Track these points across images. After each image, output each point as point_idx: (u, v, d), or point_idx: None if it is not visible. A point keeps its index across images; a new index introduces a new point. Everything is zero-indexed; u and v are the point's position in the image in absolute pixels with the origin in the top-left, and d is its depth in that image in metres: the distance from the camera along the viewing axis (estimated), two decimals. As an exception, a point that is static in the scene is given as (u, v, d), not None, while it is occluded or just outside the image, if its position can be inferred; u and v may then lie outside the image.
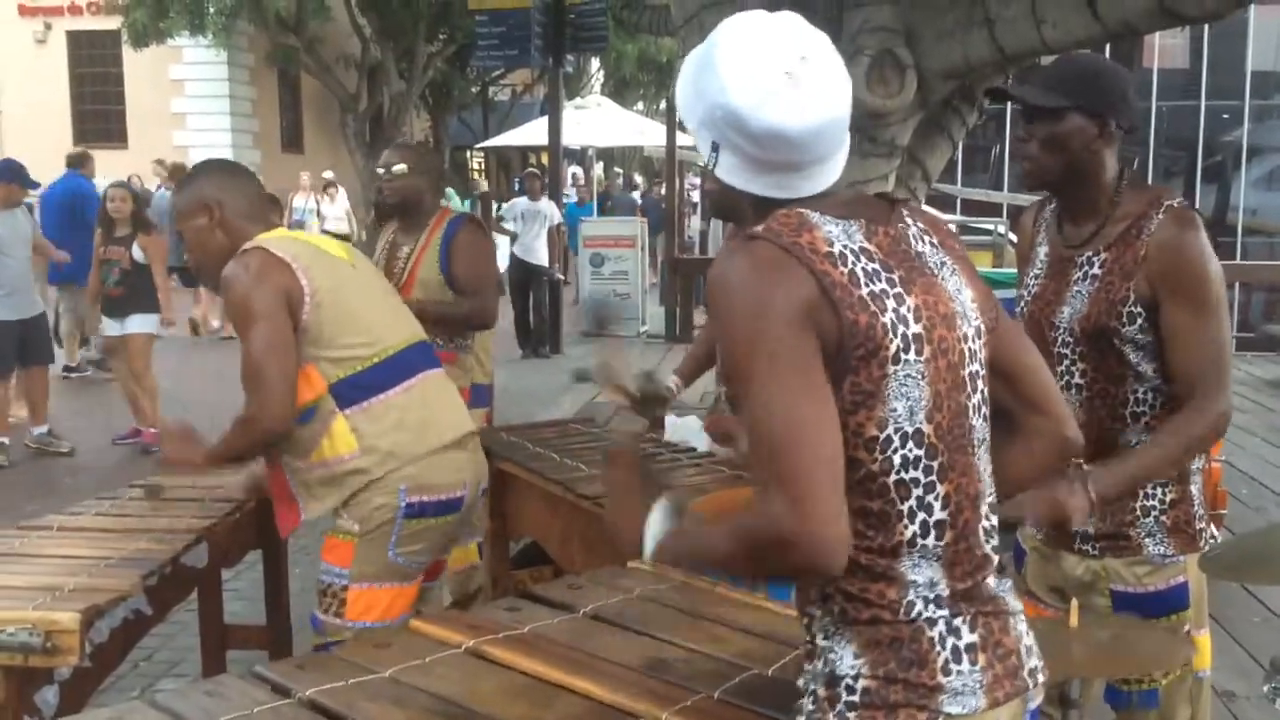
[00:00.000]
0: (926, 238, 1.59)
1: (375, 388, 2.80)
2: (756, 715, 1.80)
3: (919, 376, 1.48)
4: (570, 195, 18.54)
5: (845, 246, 1.48)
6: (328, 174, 12.56)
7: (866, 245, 1.50)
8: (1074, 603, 2.17)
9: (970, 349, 1.56)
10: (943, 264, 1.58)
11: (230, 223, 2.81)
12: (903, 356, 1.46)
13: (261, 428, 2.68)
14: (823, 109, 1.50)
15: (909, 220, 1.59)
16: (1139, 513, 2.36)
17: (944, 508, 1.50)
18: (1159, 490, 2.35)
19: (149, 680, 4.15)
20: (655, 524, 1.62)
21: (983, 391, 1.59)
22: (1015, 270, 2.79)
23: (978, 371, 1.58)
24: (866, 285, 1.46)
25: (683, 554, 1.62)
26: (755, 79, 1.48)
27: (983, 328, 1.60)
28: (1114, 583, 2.37)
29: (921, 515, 1.49)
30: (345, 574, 2.79)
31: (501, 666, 2.00)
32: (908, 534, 1.48)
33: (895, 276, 1.50)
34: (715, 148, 1.55)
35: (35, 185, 7.82)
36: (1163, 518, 2.35)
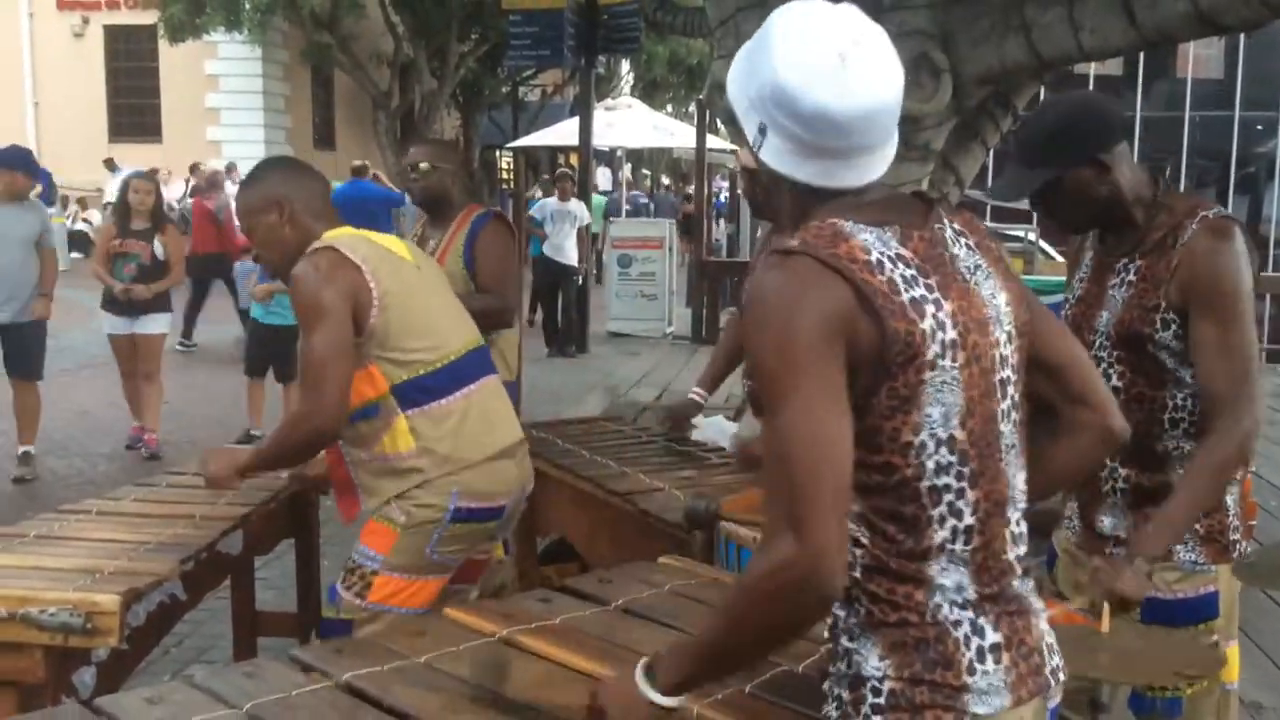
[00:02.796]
0: (963, 239, 1.59)
1: (436, 391, 2.83)
2: (787, 710, 1.82)
3: (954, 383, 1.48)
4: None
5: (882, 254, 1.48)
6: (357, 162, 12.62)
7: (902, 251, 1.50)
8: (1105, 607, 2.17)
9: (1002, 354, 1.56)
10: (978, 267, 1.57)
11: (299, 219, 2.84)
12: (939, 363, 1.47)
13: (314, 426, 2.72)
14: (871, 94, 1.49)
15: (945, 221, 1.59)
16: (1171, 521, 2.35)
17: (973, 513, 1.51)
18: (1192, 499, 2.35)
19: (180, 665, 4.20)
20: (641, 677, 1.57)
21: (1013, 397, 1.59)
22: (1046, 277, 2.81)
23: (1009, 377, 1.58)
24: (906, 291, 1.47)
25: (686, 665, 1.55)
26: (807, 58, 1.48)
27: (1014, 332, 1.60)
28: (1144, 589, 2.37)
29: (952, 521, 1.50)
30: (379, 560, 2.82)
31: (534, 655, 2.03)
32: (937, 539, 1.49)
33: (931, 282, 1.50)
34: (763, 130, 1.55)
35: (45, 176, 7.61)
36: (1196, 526, 2.35)
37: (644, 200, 21.79)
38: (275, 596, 4.58)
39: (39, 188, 7.60)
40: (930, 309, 1.47)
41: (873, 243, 1.49)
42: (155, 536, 2.77)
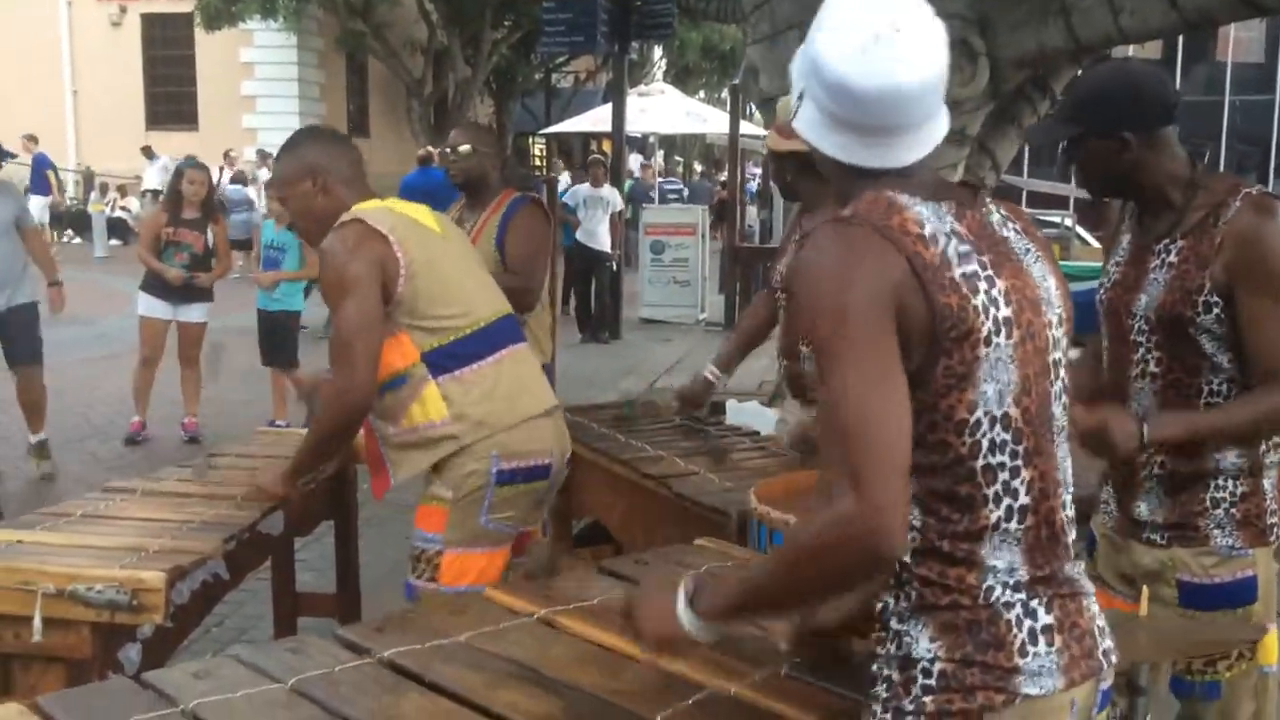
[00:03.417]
0: (1010, 224, 1.60)
1: (467, 357, 2.86)
2: (824, 691, 1.83)
3: (1008, 360, 1.49)
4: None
5: (936, 228, 1.49)
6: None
7: (957, 227, 1.51)
8: (1144, 590, 2.18)
9: (1054, 336, 1.58)
10: (1027, 250, 1.59)
11: (333, 189, 2.87)
12: (994, 339, 1.47)
13: (348, 400, 2.75)
14: (894, 78, 1.49)
15: (991, 206, 1.61)
16: (1209, 504, 2.35)
17: (1028, 492, 1.51)
18: (1230, 482, 2.34)
19: (221, 645, 4.25)
20: (683, 595, 1.59)
21: (1064, 380, 1.60)
22: (1082, 263, 2.80)
23: (1060, 360, 1.59)
24: (959, 267, 1.47)
25: (732, 597, 1.56)
26: (843, 31, 1.50)
27: (1064, 315, 1.61)
28: (1181, 573, 2.37)
29: (1006, 500, 1.50)
30: (439, 539, 2.86)
31: (572, 635, 2.05)
32: (991, 518, 1.49)
33: (985, 259, 1.51)
34: (800, 96, 1.59)
35: (10, 156, 7.28)
36: (1233, 510, 2.34)
37: (678, 187, 21.67)
38: (315, 578, 4.64)
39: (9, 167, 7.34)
40: (983, 285, 1.48)
41: (927, 216, 1.50)
42: (198, 516, 2.82)
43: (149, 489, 3.10)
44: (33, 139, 19.41)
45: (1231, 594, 2.34)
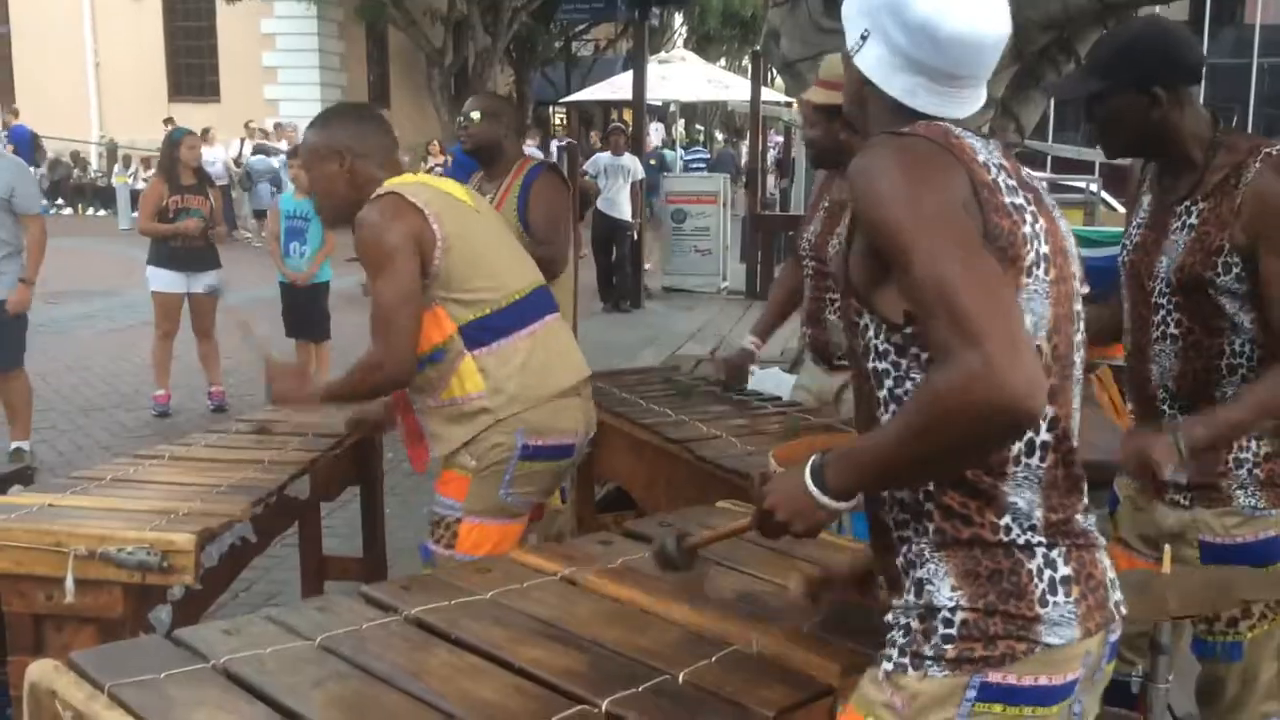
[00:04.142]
0: (1034, 183, 1.62)
1: (502, 330, 2.88)
2: (845, 645, 1.84)
3: (1044, 295, 1.51)
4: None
5: (988, 158, 1.51)
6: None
7: (1004, 163, 1.54)
8: (1166, 548, 2.18)
9: (1077, 288, 1.60)
10: (1054, 205, 1.61)
11: (359, 170, 2.88)
12: (1035, 271, 1.49)
13: (385, 374, 2.77)
14: (976, 24, 1.51)
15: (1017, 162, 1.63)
16: (1232, 464, 2.34)
17: (1050, 430, 1.52)
18: (1254, 443, 2.34)
19: (249, 609, 4.27)
20: (809, 474, 1.55)
21: (1082, 332, 1.61)
22: (1106, 229, 2.79)
23: (1080, 311, 1.61)
24: (1008, 196, 1.49)
25: (863, 471, 1.51)
26: None
27: (1079, 272, 1.63)
28: (1203, 533, 2.37)
29: (1030, 433, 1.50)
30: (459, 507, 2.89)
31: (596, 594, 2.07)
32: (1014, 450, 1.50)
33: (1029, 196, 1.53)
34: (865, 35, 1.58)
35: (19, 133, 7.28)
36: (1256, 470, 2.34)
37: (703, 156, 21.50)
38: (340, 544, 4.68)
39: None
40: (1029, 218, 1.50)
41: (980, 148, 1.52)
42: (226, 480, 2.85)
43: (177, 454, 3.14)
44: (13, 112, 19.36)
45: (1254, 554, 2.33)
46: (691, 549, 1.93)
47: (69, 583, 2.35)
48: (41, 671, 1.65)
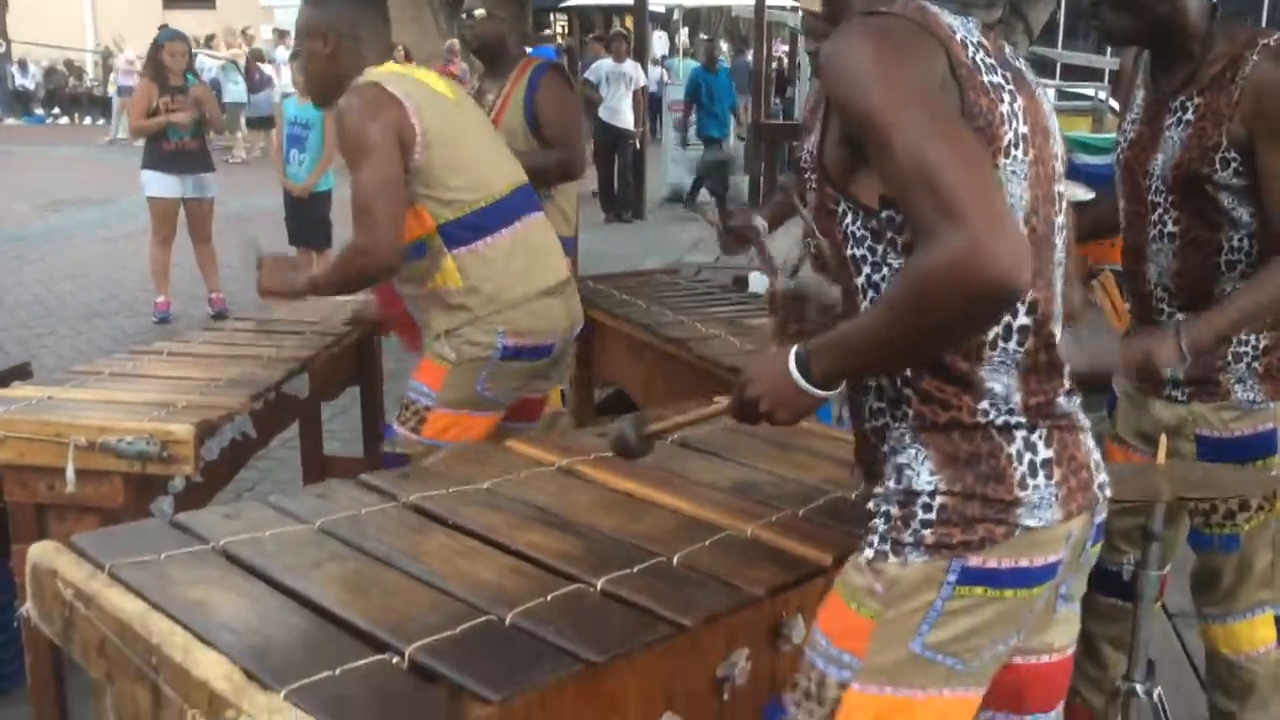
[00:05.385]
0: (1015, 62, 1.58)
1: (482, 229, 2.86)
2: (839, 532, 1.86)
3: (1022, 176, 1.48)
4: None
5: (965, 36, 1.47)
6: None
7: (984, 41, 1.50)
8: (1163, 438, 2.18)
9: (1058, 169, 1.57)
10: (1036, 83, 1.58)
11: (345, 52, 2.83)
12: (1013, 151, 1.46)
13: (368, 262, 2.75)
14: None
15: (1001, 41, 1.59)
16: (1230, 358, 2.33)
17: (1029, 313, 1.50)
18: (1252, 336, 2.32)
19: (251, 509, 4.36)
20: (793, 361, 1.50)
21: (1064, 214, 1.59)
22: (1113, 136, 2.74)
23: (1062, 193, 1.58)
24: (986, 75, 1.46)
25: (850, 356, 1.47)
26: None
27: (1064, 153, 1.61)
28: (1200, 428, 2.37)
29: (1006, 317, 1.48)
30: (432, 395, 2.90)
31: (593, 483, 2.08)
32: (990, 335, 1.48)
33: (1007, 75, 1.50)
34: None
35: None
36: (1254, 364, 2.33)
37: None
38: (341, 448, 4.71)
39: None
40: (1006, 97, 1.47)
41: (957, 25, 1.48)
42: (225, 375, 2.86)
43: (175, 350, 3.14)
44: None
45: (1250, 447, 2.34)
46: (650, 436, 1.84)
47: (69, 472, 2.36)
48: (42, 552, 1.67)
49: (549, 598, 1.56)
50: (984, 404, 1.49)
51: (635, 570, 1.67)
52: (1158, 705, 2.19)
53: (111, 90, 20.38)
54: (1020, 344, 1.50)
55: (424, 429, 2.90)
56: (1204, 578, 2.54)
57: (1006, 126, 1.45)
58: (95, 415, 2.46)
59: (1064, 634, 1.66)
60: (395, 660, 1.38)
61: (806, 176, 3.99)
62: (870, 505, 1.58)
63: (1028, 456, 1.49)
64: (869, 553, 1.52)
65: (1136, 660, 2.18)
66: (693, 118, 12.82)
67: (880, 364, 1.50)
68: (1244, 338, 2.32)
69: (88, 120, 21.87)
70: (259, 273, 2.92)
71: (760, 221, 3.79)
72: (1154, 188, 2.35)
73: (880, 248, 1.49)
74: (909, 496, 1.50)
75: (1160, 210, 2.35)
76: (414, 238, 2.81)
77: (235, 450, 2.74)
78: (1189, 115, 2.29)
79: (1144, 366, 2.23)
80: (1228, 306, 2.26)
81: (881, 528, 1.52)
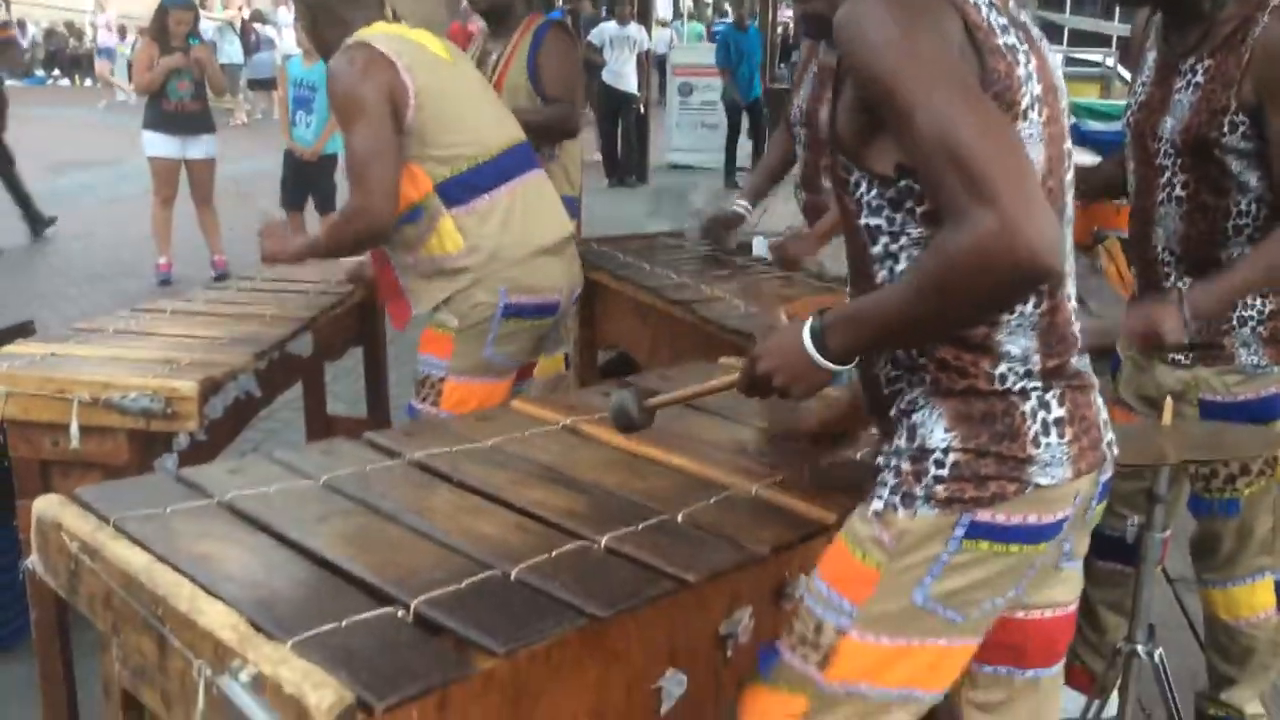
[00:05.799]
0: (1020, 16, 1.56)
1: (480, 188, 2.84)
2: (846, 491, 1.86)
3: (1037, 138, 1.46)
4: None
5: None
6: None
7: (995, 0, 1.48)
8: (1167, 401, 2.18)
9: (1066, 126, 1.55)
10: (1040, 37, 1.56)
11: (324, 24, 2.85)
12: (1030, 114, 1.45)
13: (364, 224, 2.73)
14: None
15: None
16: (1235, 322, 2.33)
17: None
18: (1258, 300, 2.32)
19: (255, 469, 4.37)
20: (808, 335, 1.49)
21: (1072, 171, 1.58)
22: (1122, 102, 2.72)
23: (1070, 150, 1.57)
24: (1001, 37, 1.44)
25: (863, 328, 1.46)
26: None
27: (1068, 109, 1.59)
28: (1204, 392, 2.37)
29: None
30: (444, 365, 2.89)
31: (597, 442, 2.08)
32: None
33: (1020, 35, 1.48)
34: None
35: None
36: (1259, 328, 2.33)
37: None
38: (346, 409, 4.72)
39: None
40: (1022, 59, 1.45)
41: None
42: (229, 333, 2.85)
43: (178, 308, 3.14)
44: None
45: (1254, 412, 2.34)
46: (652, 409, 1.82)
47: (73, 429, 2.37)
48: (47, 505, 1.67)
49: (553, 554, 1.56)
50: (1002, 368, 1.49)
51: (639, 527, 1.67)
52: (1159, 666, 2.20)
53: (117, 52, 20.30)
54: (1037, 306, 1.50)
55: (442, 401, 2.90)
56: (1204, 543, 2.55)
57: (1024, 89, 1.44)
58: (99, 371, 2.45)
59: (1068, 590, 1.67)
60: (400, 613, 1.39)
61: (797, 132, 3.97)
62: (880, 461, 1.58)
63: (1041, 415, 1.49)
64: (878, 504, 1.53)
65: (1138, 622, 2.19)
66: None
67: (901, 340, 1.49)
68: (1249, 302, 2.32)
69: (88, 82, 21.76)
70: (260, 240, 2.92)
71: (739, 208, 3.83)
72: (1163, 151, 2.34)
73: (899, 217, 1.47)
74: (922, 453, 1.51)
75: (1169, 174, 2.34)
76: (410, 202, 2.79)
77: (239, 409, 2.74)
78: (1198, 78, 2.27)
79: (1147, 335, 2.23)
80: (1232, 274, 2.26)
81: (892, 481, 1.53)
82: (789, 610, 1.64)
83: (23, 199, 8.70)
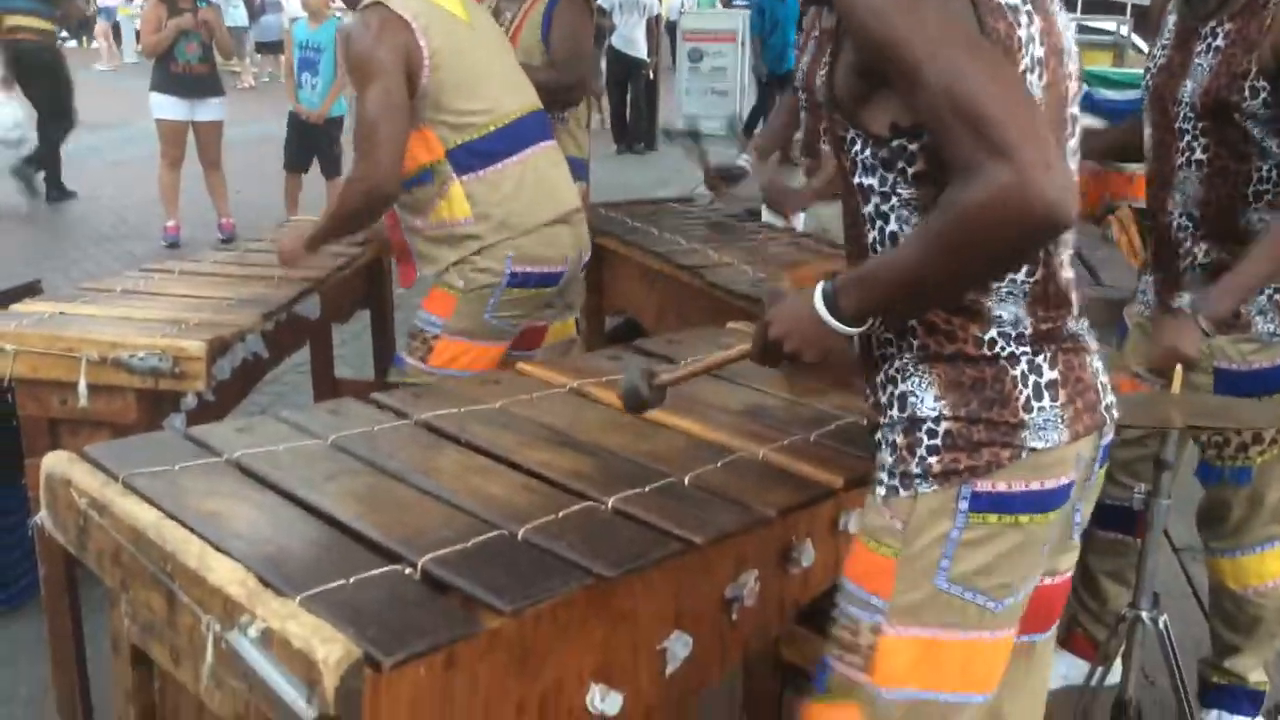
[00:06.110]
0: None
1: (492, 155, 2.82)
2: (850, 456, 1.86)
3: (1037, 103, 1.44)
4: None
5: None
6: None
7: None
8: (1179, 368, 2.17)
9: (1072, 90, 1.53)
10: (1053, 0, 1.52)
11: None
12: (1028, 76, 1.42)
13: (370, 186, 2.71)
14: None
15: None
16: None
17: None
18: (1275, 269, 2.30)
19: (262, 432, 4.38)
20: (820, 298, 1.47)
21: (1077, 137, 1.56)
22: (1135, 71, 2.70)
23: (1075, 115, 1.54)
24: None
25: (877, 289, 1.42)
26: None
27: (1079, 71, 1.56)
28: (1218, 360, 2.36)
29: None
30: (440, 324, 2.89)
31: (604, 405, 2.08)
32: None
33: None
34: None
35: None
36: (1276, 296, 2.31)
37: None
38: (353, 373, 4.72)
39: None
40: (1024, 20, 1.42)
41: None
42: (236, 294, 2.85)
43: (186, 269, 3.14)
44: None
45: (1268, 380, 2.33)
46: (663, 386, 1.80)
47: (82, 387, 2.37)
48: (56, 461, 1.67)
49: (560, 514, 1.56)
50: (991, 333, 1.47)
51: (646, 489, 1.67)
52: (1163, 633, 2.20)
53: (121, 15, 20.18)
54: (1030, 274, 1.48)
55: (431, 358, 2.90)
56: (1212, 511, 2.54)
57: (1023, 52, 1.41)
58: (107, 330, 2.45)
59: (1069, 558, 1.67)
60: (408, 571, 1.39)
61: (801, 96, 3.96)
62: (877, 437, 1.57)
63: (1032, 379, 1.48)
64: (881, 490, 1.52)
65: (1143, 588, 2.19)
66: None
67: (915, 299, 1.45)
68: (1266, 269, 2.30)
69: (94, 44, 21.65)
70: (278, 255, 3.02)
71: (744, 162, 3.81)
72: (1182, 115, 2.32)
73: (891, 177, 1.45)
74: (913, 424, 1.50)
75: (1189, 138, 2.32)
76: (420, 164, 2.78)
77: (246, 371, 2.74)
78: (1219, 41, 2.25)
79: (1175, 361, 2.20)
80: (1237, 274, 2.24)
81: (889, 461, 1.52)
82: (803, 592, 1.62)
83: (54, 162, 8.70)
